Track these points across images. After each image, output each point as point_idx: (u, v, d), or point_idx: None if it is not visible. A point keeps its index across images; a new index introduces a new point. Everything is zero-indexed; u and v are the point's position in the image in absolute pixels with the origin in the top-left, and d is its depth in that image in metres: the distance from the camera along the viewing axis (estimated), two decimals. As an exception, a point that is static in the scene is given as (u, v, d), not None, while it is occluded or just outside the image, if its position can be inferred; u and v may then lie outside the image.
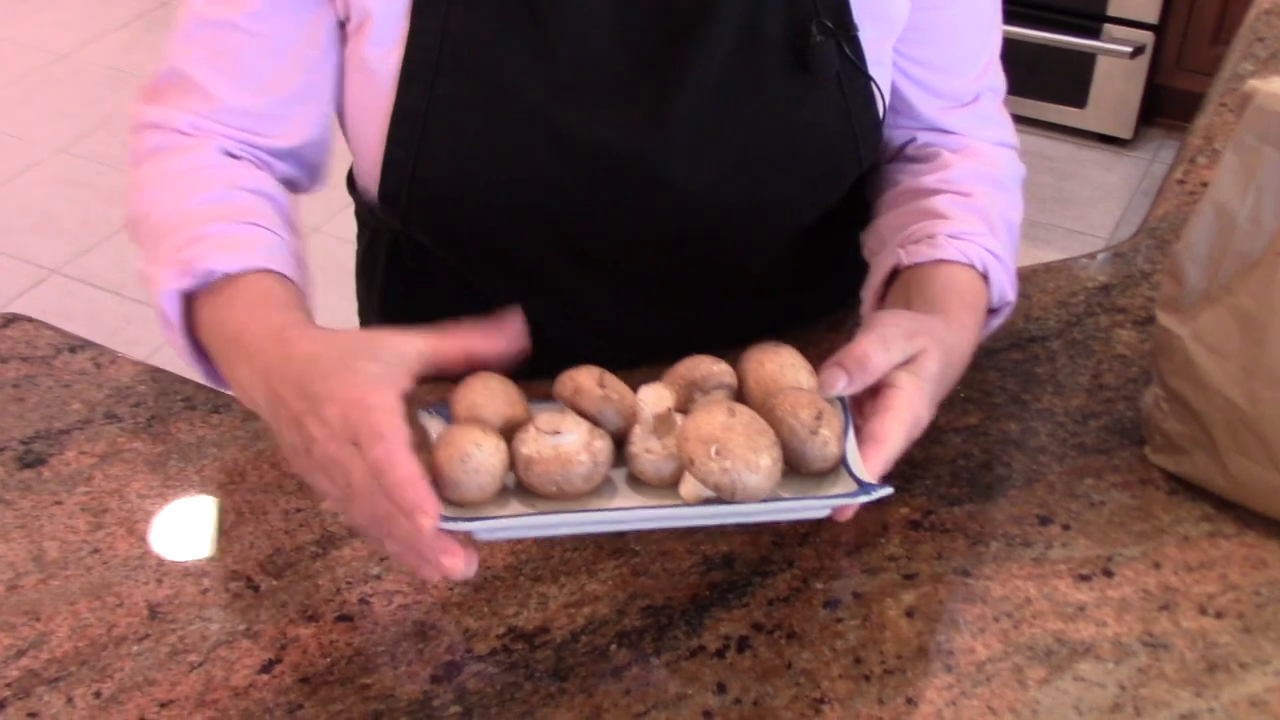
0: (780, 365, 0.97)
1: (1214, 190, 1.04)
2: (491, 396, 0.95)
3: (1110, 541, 1.11)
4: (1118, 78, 3.65)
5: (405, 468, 0.86)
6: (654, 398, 0.94)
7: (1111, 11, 3.58)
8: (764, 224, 1.23)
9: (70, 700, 1.03)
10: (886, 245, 1.20)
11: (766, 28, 1.14)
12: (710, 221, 1.19)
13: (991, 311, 1.15)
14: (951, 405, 1.22)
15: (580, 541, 1.13)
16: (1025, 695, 0.97)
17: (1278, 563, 1.08)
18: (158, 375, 1.29)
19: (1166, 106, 3.69)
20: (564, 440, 0.91)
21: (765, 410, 0.93)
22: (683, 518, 0.92)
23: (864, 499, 0.91)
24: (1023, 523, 1.14)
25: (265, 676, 1.04)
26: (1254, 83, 1.01)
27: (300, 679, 1.04)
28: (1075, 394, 1.25)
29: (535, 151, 1.15)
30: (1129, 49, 3.57)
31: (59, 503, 1.18)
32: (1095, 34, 3.64)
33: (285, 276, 1.05)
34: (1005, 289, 1.17)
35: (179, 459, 1.21)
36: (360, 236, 1.50)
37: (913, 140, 1.28)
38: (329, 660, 1.05)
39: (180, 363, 1.11)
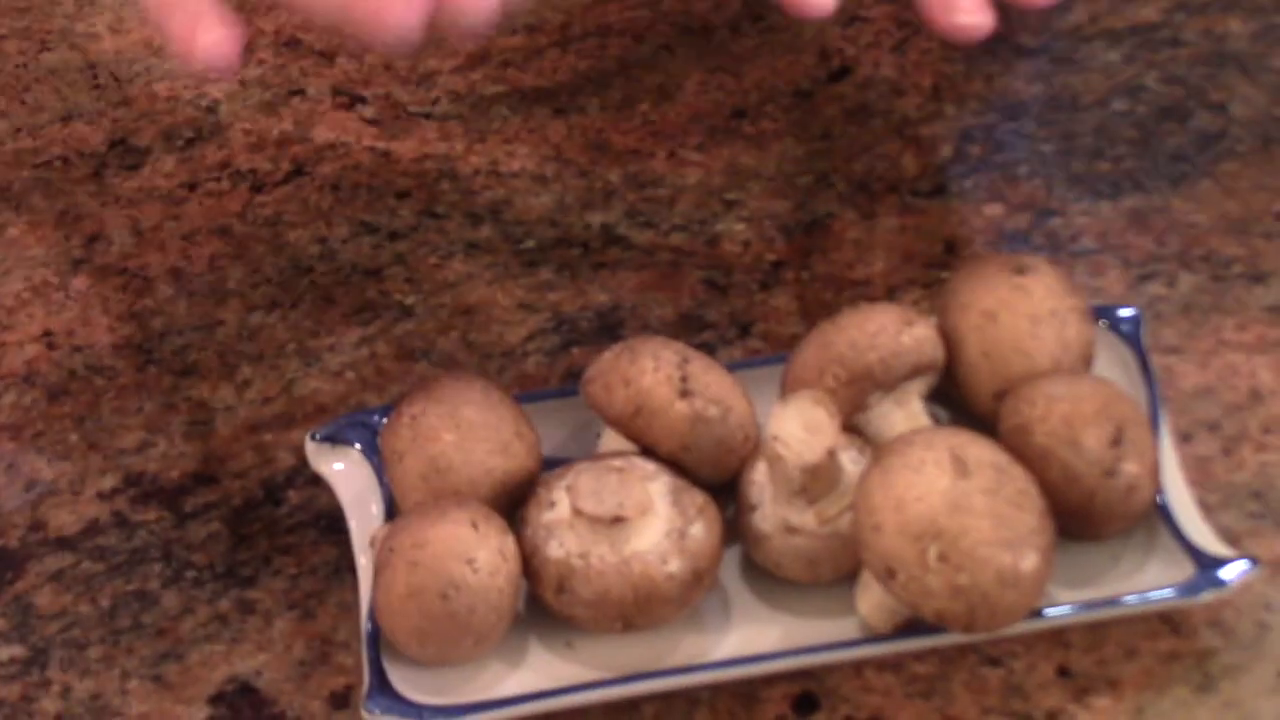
0: (1030, 316, 0.79)
1: None
2: (468, 438, 0.77)
3: None
4: None
5: None
6: (801, 427, 0.76)
7: None
8: None
9: None
10: None
11: None
12: None
13: None
14: None
15: (290, 277, 0.87)
16: (1242, 595, 0.76)
17: None
18: None
19: None
20: (636, 535, 0.75)
21: (1011, 423, 0.77)
22: (874, 652, 0.76)
23: (1209, 593, 0.75)
24: (1250, 230, 0.87)
25: None
26: None
27: None
28: None
29: None
30: None
31: None
32: None
33: None
34: None
35: None
36: None
37: None
38: None
39: None
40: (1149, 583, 0.76)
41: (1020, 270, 0.80)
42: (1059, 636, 0.76)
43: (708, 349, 0.83)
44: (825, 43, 0.96)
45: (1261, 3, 0.98)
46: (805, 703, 0.74)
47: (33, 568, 0.78)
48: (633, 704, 0.74)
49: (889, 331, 0.78)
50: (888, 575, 0.72)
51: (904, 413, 0.79)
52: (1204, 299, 0.86)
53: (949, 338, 0.80)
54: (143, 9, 0.77)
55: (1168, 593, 0.75)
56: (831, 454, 0.75)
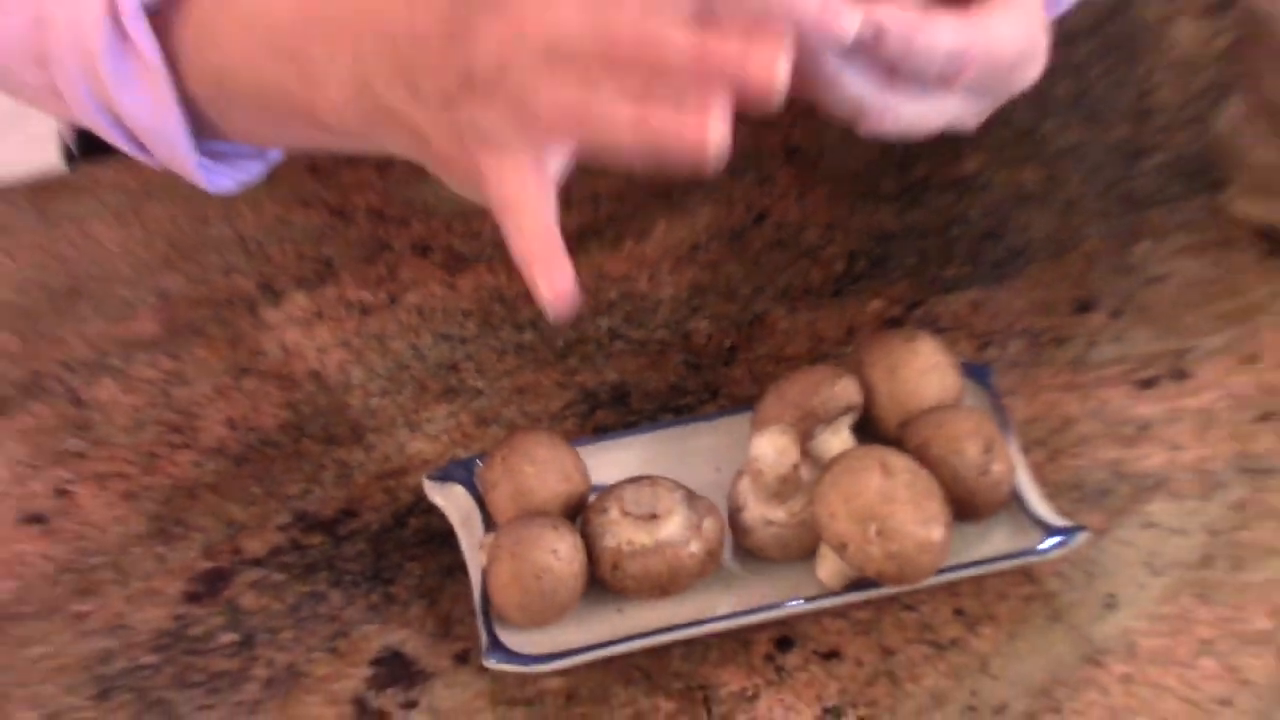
0: (920, 370, 0.83)
1: None
2: (543, 472, 0.80)
3: (1180, 331, 0.89)
4: None
5: None
6: (772, 451, 0.80)
7: None
8: None
9: None
10: None
11: None
12: None
13: None
14: (935, 149, 1.00)
15: (393, 377, 0.91)
16: (1075, 553, 0.79)
17: None
18: None
19: None
20: (665, 529, 0.79)
21: (917, 440, 0.81)
22: (829, 606, 0.81)
23: (1053, 552, 0.79)
24: (1052, 310, 0.91)
25: (-79, 614, 0.71)
26: None
27: (-20, 614, 0.71)
28: (1117, 121, 0.99)
29: None
30: None
31: None
32: None
33: None
34: None
35: None
36: None
37: None
38: (19, 585, 0.79)
39: None
40: (1013, 547, 0.80)
41: (910, 339, 0.83)
42: (954, 587, 0.79)
43: (688, 409, 0.86)
44: (749, 198, 0.98)
45: (1047, 157, 1.00)
46: (784, 643, 0.78)
47: (237, 579, 0.80)
48: (665, 649, 0.76)
49: (825, 384, 0.81)
50: (841, 548, 0.76)
51: (839, 439, 0.82)
52: (1026, 357, 0.90)
53: (865, 387, 0.83)
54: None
55: (1026, 553, 0.80)
56: (796, 468, 0.79)
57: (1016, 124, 1.01)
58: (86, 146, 1.11)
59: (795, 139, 1.00)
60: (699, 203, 0.99)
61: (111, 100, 0.78)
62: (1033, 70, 0.75)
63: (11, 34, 0.79)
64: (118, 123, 0.79)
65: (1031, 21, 0.75)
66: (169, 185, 0.97)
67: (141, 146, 0.80)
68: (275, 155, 0.84)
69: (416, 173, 0.97)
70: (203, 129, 0.79)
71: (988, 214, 0.98)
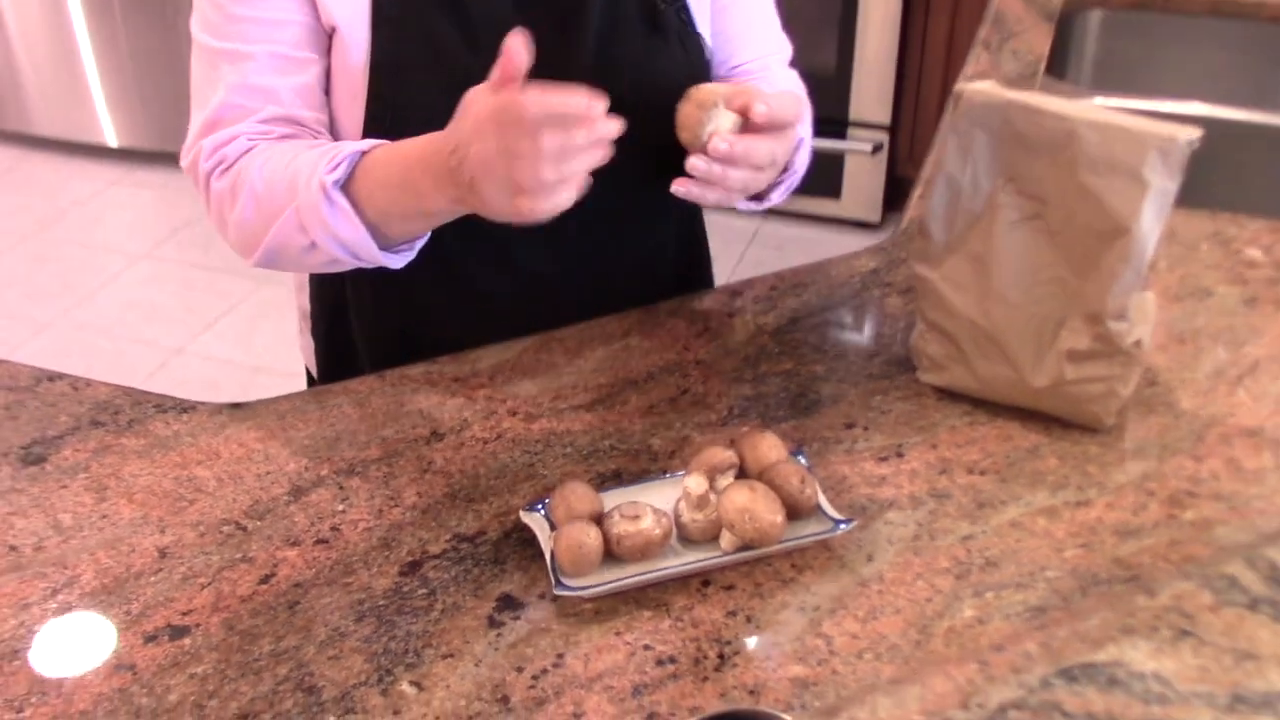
0: (768, 446, 0.87)
1: (943, 165, 0.93)
2: (580, 500, 0.83)
3: (899, 435, 0.94)
4: (863, 172, 2.95)
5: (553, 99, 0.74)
6: (695, 484, 0.84)
7: (853, 116, 2.89)
8: (636, 166, 0.97)
9: (105, 619, 0.80)
10: None
11: (625, 3, 0.99)
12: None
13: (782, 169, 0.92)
14: (771, 358, 1.06)
15: (501, 470, 0.94)
16: (851, 537, 0.85)
17: (1020, 435, 0.95)
18: (129, 391, 1.05)
19: (907, 192, 3.02)
20: (643, 523, 0.82)
21: (766, 478, 0.83)
22: (727, 560, 0.84)
23: (839, 531, 0.82)
24: (834, 428, 0.95)
25: (265, 586, 0.83)
26: (960, 85, 0.93)
27: (294, 585, 0.83)
28: (861, 342, 1.07)
29: None
30: (870, 146, 2.86)
31: (64, 486, 0.93)
32: (841, 135, 2.90)
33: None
34: (801, 156, 1.01)
35: (161, 448, 0.98)
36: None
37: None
38: (314, 570, 0.84)
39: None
40: (819, 530, 0.83)
41: (763, 431, 0.87)
42: (790, 552, 0.82)
43: (656, 473, 0.90)
44: (678, 383, 0.98)
45: (826, 360, 1.02)
46: (705, 581, 0.81)
47: (426, 564, 0.83)
48: (645, 586, 0.79)
49: (720, 453, 0.85)
50: (731, 528, 0.79)
51: (727, 480, 0.84)
52: (823, 450, 0.93)
53: (740, 455, 0.86)
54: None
55: (826, 533, 0.82)
56: (707, 492, 0.82)
57: (811, 344, 1.05)
58: (321, 379, 1.13)
59: (700, 355, 1.04)
60: (653, 386, 1.00)
61: (335, 232, 0.86)
62: (771, 173, 0.89)
63: (288, 222, 0.89)
64: (340, 244, 0.87)
65: (776, 150, 0.89)
66: (380, 389, 1.02)
67: (354, 255, 0.88)
68: (419, 244, 0.91)
69: (508, 379, 1.01)
70: (378, 238, 0.87)
71: (799, 387, 1.01)
